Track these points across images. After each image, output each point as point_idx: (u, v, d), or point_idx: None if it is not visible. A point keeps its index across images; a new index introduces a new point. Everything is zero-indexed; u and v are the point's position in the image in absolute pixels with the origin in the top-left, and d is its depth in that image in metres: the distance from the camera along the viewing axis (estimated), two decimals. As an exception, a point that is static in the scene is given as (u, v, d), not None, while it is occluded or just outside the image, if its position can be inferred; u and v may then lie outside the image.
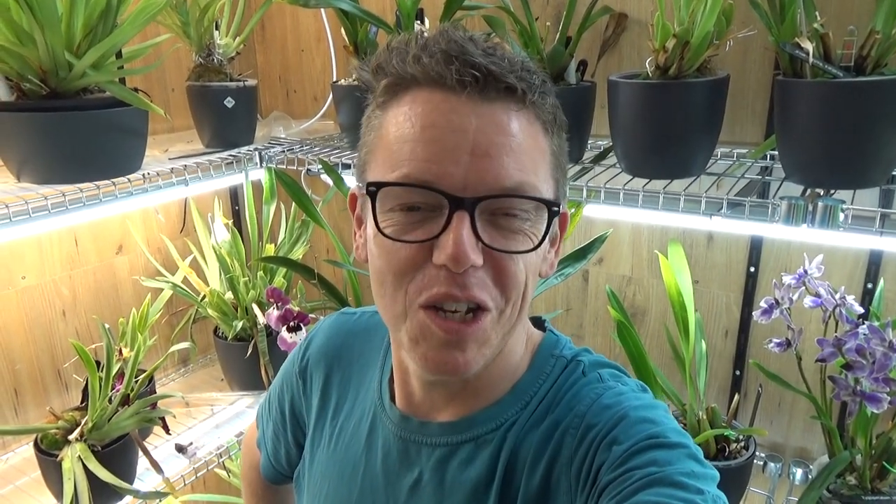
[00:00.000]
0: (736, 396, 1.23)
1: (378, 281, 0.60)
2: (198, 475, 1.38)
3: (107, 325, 1.23)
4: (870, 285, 1.18)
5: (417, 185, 0.55)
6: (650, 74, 0.97)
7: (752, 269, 1.29)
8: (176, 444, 1.36)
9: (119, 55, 1.10)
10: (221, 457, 1.46)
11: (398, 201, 0.56)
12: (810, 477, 1.23)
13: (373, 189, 0.56)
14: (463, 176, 0.54)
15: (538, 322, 0.73)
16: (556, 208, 0.58)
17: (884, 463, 1.01)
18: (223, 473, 1.50)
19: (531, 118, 0.58)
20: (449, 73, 0.54)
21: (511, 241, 0.57)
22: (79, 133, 1.06)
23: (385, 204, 0.57)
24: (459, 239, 0.53)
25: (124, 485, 1.11)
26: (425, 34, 0.58)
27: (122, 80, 1.12)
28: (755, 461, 1.15)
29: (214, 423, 1.50)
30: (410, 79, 0.57)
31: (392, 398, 0.71)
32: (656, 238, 1.38)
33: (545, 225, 0.58)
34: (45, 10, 0.96)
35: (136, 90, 1.13)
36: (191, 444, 1.36)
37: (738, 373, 1.35)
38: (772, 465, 1.28)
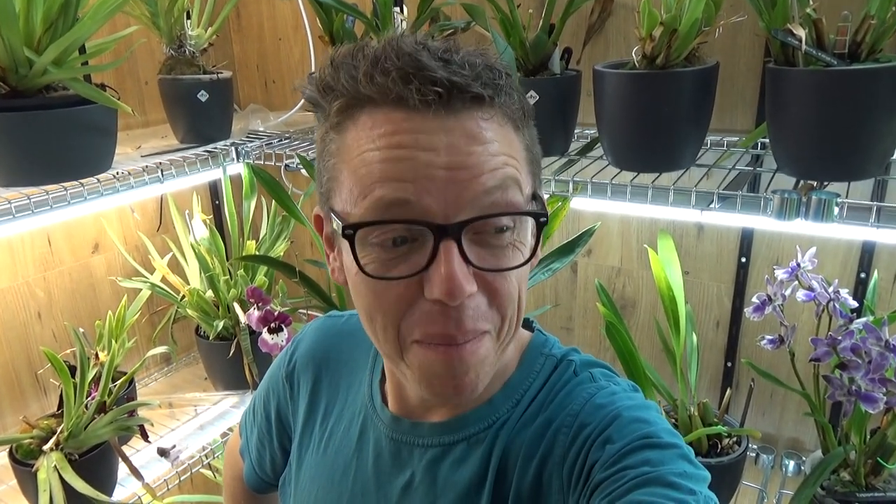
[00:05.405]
0: (728, 391, 1.21)
1: (367, 318, 0.57)
2: (181, 479, 1.36)
3: (81, 330, 1.19)
4: (863, 275, 1.16)
5: (397, 222, 0.51)
6: (636, 64, 0.93)
7: (744, 260, 1.26)
8: (158, 448, 1.32)
9: (83, 50, 1.05)
10: (207, 458, 1.43)
11: (378, 237, 0.52)
12: (803, 469, 1.22)
13: (349, 232, 0.52)
14: (441, 198, 0.50)
15: (525, 322, 0.71)
16: (543, 219, 0.55)
17: (878, 459, 0.99)
18: (209, 473, 1.47)
19: (501, 120, 0.54)
20: (409, 93, 0.50)
21: (501, 257, 0.54)
22: (43, 133, 1.02)
23: (363, 239, 0.53)
24: (451, 273, 0.50)
25: (101, 496, 1.08)
26: (373, 45, 0.53)
27: (88, 77, 1.07)
28: (748, 453, 1.14)
29: (198, 423, 1.47)
30: (366, 99, 0.53)
31: (383, 400, 0.70)
32: (646, 228, 1.35)
33: (530, 232, 0.56)
34: (1, 4, 0.91)
35: (102, 86, 1.09)
36: (174, 447, 1.33)
37: (729, 364, 1.33)
38: (764, 457, 1.27)
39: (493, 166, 0.52)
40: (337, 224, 0.54)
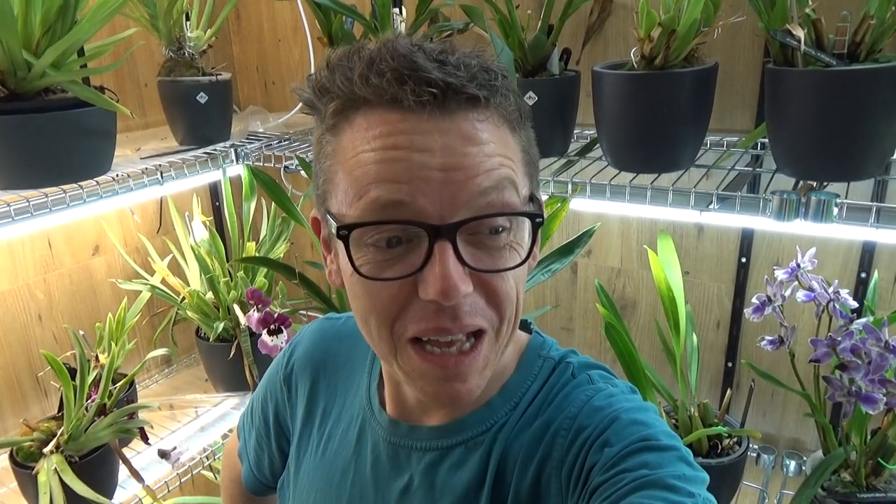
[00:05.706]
0: (728, 391, 1.21)
1: (362, 319, 0.57)
2: (182, 481, 1.36)
3: (81, 332, 1.19)
4: (863, 275, 1.15)
5: (392, 222, 0.51)
6: (635, 65, 0.93)
7: (744, 260, 1.26)
8: (159, 450, 1.33)
9: (81, 53, 1.05)
10: (207, 459, 1.43)
11: (372, 237, 0.53)
12: (804, 469, 1.22)
13: (344, 233, 0.52)
14: (436, 199, 0.50)
15: (523, 323, 0.71)
16: (539, 219, 0.55)
17: (879, 460, 0.99)
18: (210, 475, 1.47)
19: (497, 121, 0.54)
20: (404, 93, 0.50)
21: (497, 258, 0.54)
22: (41, 136, 1.02)
23: (358, 240, 0.53)
24: (446, 273, 0.50)
25: (102, 499, 1.08)
26: (369, 46, 0.53)
27: (87, 79, 1.07)
28: (748, 453, 1.14)
29: (199, 425, 1.47)
30: (361, 100, 0.52)
31: (381, 403, 0.70)
32: (646, 229, 1.35)
33: (527, 233, 0.56)
34: (0, 7, 0.91)
35: (101, 88, 1.09)
36: (174, 448, 1.33)
37: (730, 364, 1.33)
38: (765, 457, 1.27)
39: (489, 167, 0.52)
40: (333, 226, 0.54)
